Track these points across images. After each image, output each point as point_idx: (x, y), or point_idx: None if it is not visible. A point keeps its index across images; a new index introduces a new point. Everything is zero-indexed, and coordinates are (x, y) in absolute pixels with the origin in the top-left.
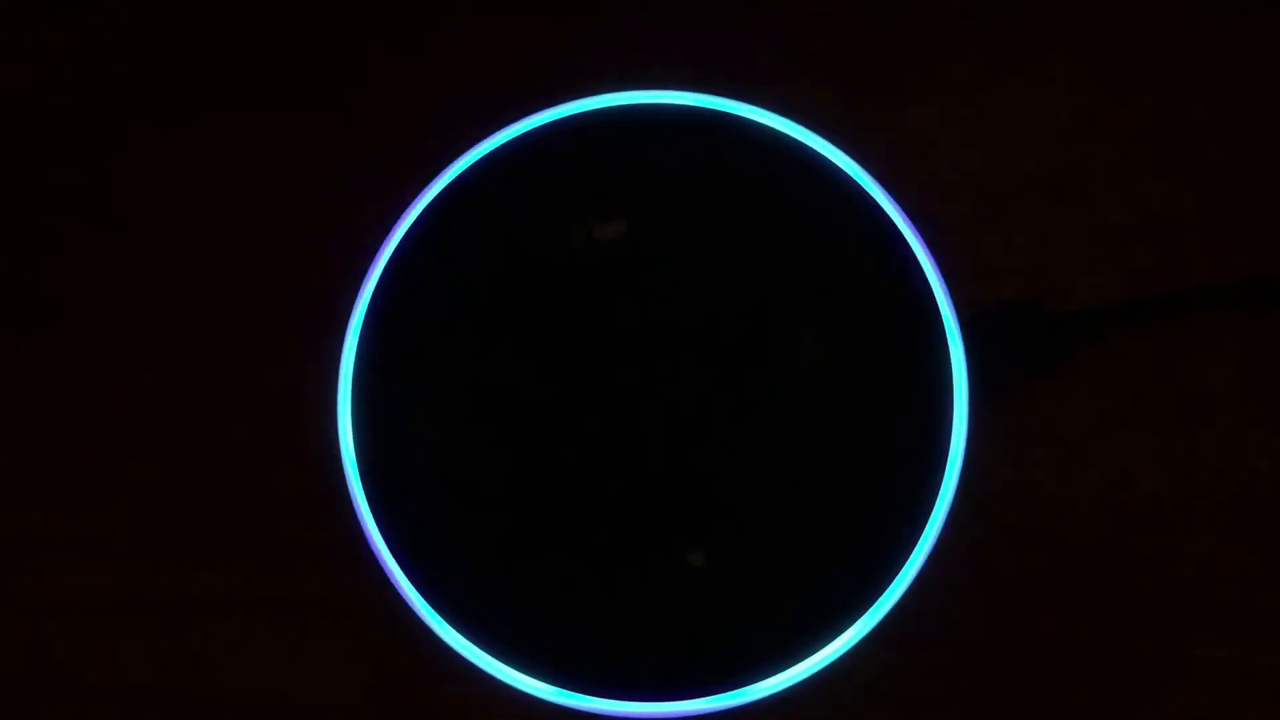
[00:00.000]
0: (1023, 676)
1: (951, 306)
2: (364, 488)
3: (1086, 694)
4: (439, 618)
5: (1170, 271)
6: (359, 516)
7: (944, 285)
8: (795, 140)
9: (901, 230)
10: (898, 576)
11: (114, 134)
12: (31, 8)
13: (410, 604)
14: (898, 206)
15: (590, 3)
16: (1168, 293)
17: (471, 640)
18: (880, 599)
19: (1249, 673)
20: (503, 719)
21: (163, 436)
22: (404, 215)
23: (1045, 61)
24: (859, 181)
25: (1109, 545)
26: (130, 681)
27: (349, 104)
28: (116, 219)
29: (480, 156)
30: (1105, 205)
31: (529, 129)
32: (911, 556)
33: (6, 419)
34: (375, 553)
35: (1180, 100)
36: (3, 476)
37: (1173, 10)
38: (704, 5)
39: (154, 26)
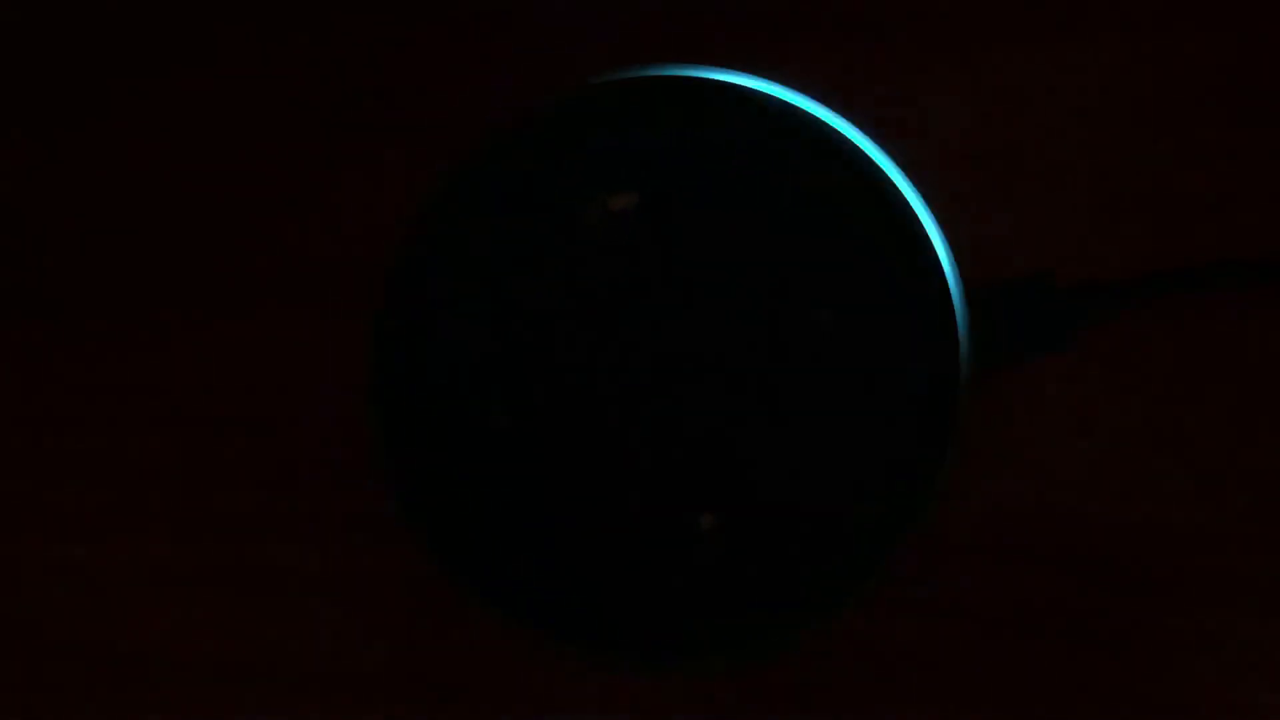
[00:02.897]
0: (1026, 646)
1: (960, 280)
2: (389, 453)
3: (1090, 664)
4: (468, 586)
5: (1181, 247)
6: (385, 484)
7: (952, 259)
8: (805, 113)
9: (911, 204)
10: (898, 546)
11: (140, 107)
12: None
13: (436, 570)
14: (907, 181)
15: None
16: (1178, 267)
17: (495, 603)
18: (880, 567)
19: (1259, 645)
20: (528, 677)
21: (190, 409)
22: (428, 190)
23: (1056, 38)
24: (868, 155)
25: (1114, 517)
26: (156, 652)
27: (373, 79)
28: (141, 190)
29: (500, 134)
30: (1116, 181)
31: (550, 105)
32: (913, 526)
33: (40, 396)
34: (399, 515)
35: (1191, 76)
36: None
37: None
38: None
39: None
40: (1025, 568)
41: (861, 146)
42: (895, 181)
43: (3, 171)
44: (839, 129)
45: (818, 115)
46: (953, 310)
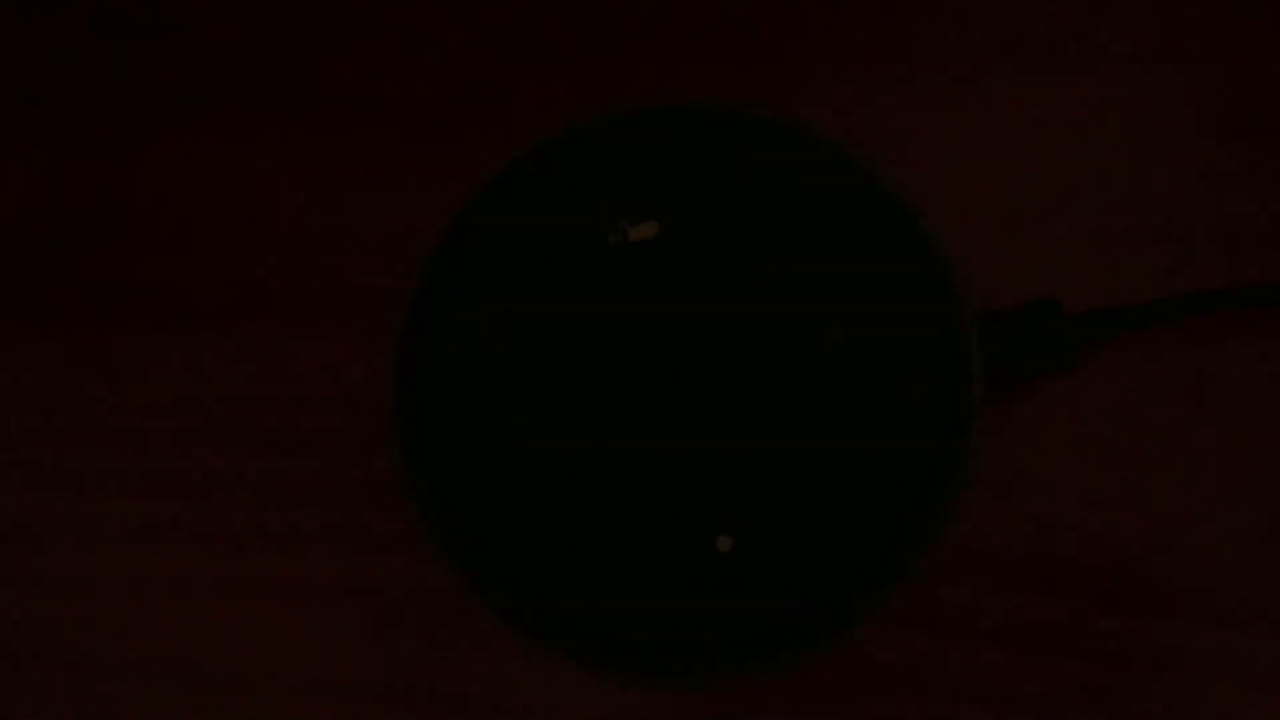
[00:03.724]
0: (1027, 660)
1: (971, 305)
2: (408, 471)
3: (1090, 679)
4: (484, 601)
5: (1186, 273)
6: (403, 500)
7: (964, 285)
8: (821, 141)
9: (925, 231)
10: (909, 567)
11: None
12: (73, 21)
13: (451, 585)
14: (921, 208)
15: (611, 15)
16: (1184, 293)
17: (511, 619)
18: (891, 588)
19: (1258, 660)
20: (542, 692)
21: (206, 422)
22: (451, 213)
23: (1064, 69)
24: (884, 183)
25: (1116, 533)
26: (170, 661)
27: (398, 103)
28: (166, 209)
29: (519, 159)
30: (1122, 208)
31: (569, 131)
32: (924, 547)
33: (76, 414)
34: (419, 533)
35: (1194, 106)
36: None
37: (1184, 19)
38: (726, 12)
39: (186, 27)
40: (1027, 582)
41: (876, 175)
42: (909, 209)
43: (13, 181)
44: (854, 157)
45: (833, 144)
46: (965, 336)
